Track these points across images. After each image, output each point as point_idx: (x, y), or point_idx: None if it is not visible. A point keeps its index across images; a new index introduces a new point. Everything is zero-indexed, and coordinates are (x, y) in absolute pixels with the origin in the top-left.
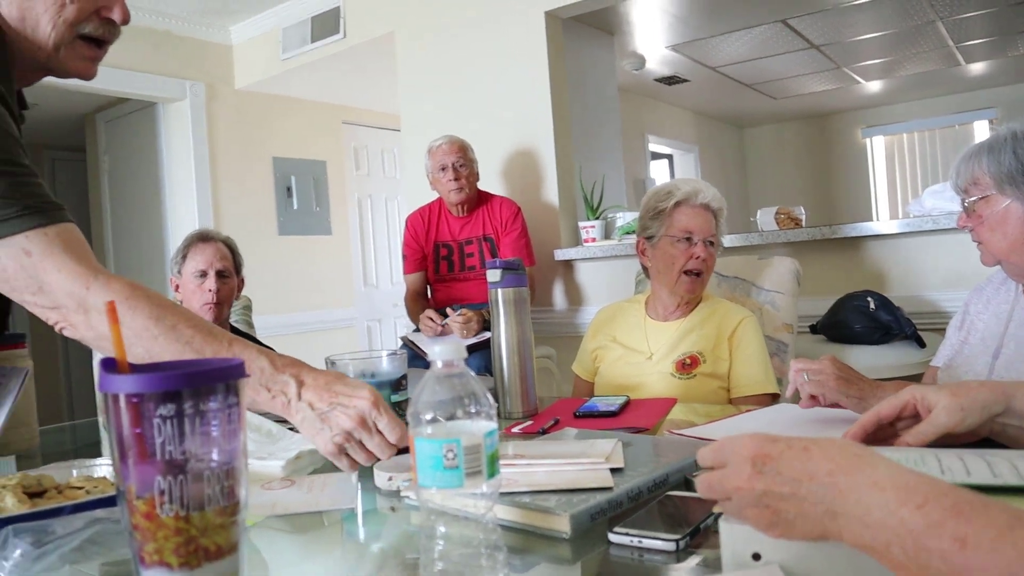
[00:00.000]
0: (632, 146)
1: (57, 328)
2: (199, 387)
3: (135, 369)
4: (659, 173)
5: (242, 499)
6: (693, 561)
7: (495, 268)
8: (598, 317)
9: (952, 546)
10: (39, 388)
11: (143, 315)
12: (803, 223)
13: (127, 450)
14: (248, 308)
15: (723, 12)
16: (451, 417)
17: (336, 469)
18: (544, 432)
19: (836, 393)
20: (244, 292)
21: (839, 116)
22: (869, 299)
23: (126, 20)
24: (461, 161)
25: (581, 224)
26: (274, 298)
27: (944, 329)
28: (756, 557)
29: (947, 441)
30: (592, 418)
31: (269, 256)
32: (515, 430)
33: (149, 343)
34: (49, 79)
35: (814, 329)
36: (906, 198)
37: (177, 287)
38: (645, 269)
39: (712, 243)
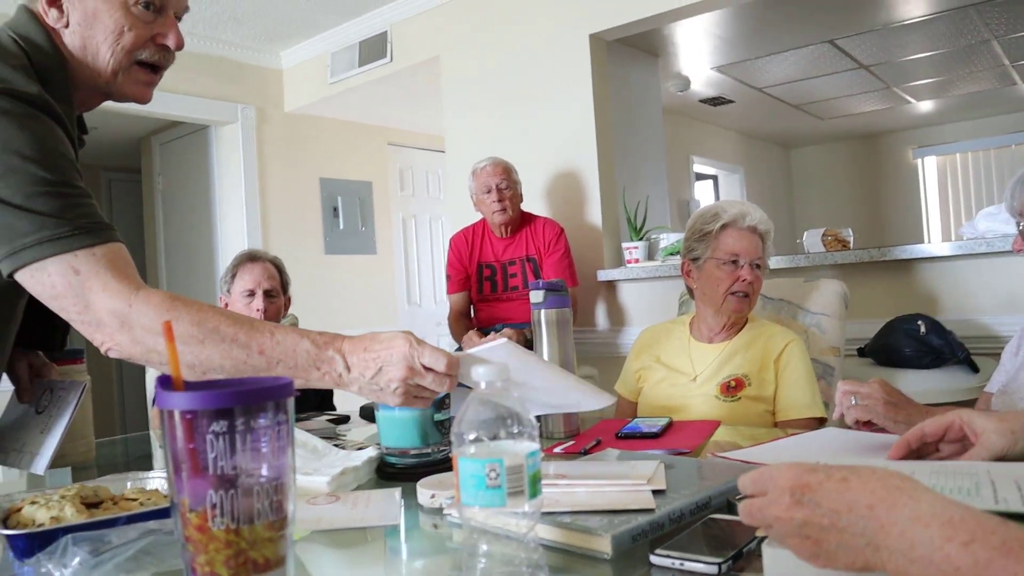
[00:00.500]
0: (676, 167)
1: (103, 349)
2: (250, 405)
3: (190, 387)
4: (704, 194)
5: (290, 513)
6: None
7: (538, 289)
8: (642, 337)
9: None
10: (94, 402)
11: (185, 322)
12: (851, 245)
13: (181, 464)
14: (295, 326)
15: (770, 33)
16: (494, 437)
17: (380, 486)
18: (586, 453)
19: (884, 418)
20: (291, 310)
21: (889, 136)
22: (920, 323)
23: (180, 46)
24: (505, 183)
25: (624, 245)
26: (320, 316)
27: (998, 354)
28: None
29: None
30: (634, 439)
31: (316, 275)
32: (557, 450)
33: (196, 349)
34: (107, 104)
35: (862, 352)
36: (959, 220)
37: (226, 305)
38: (690, 290)
39: (759, 266)
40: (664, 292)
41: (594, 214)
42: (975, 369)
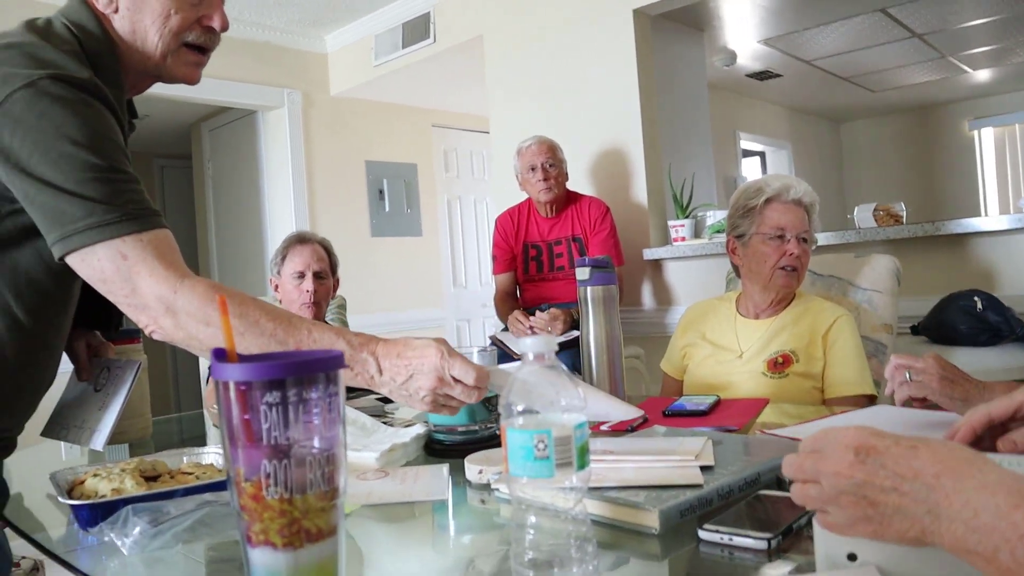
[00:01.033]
0: (722, 144)
1: (147, 331)
2: (302, 376)
3: (244, 359)
4: (751, 171)
5: (341, 485)
6: (785, 561)
7: (584, 266)
8: (688, 314)
9: None
10: (150, 382)
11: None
12: (904, 220)
13: (236, 435)
14: (343, 307)
15: (818, 3)
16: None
17: (428, 462)
18: (633, 430)
19: (939, 394)
20: (339, 292)
21: (943, 108)
22: (976, 299)
23: (225, 27)
24: (550, 161)
25: (670, 223)
26: (367, 298)
27: None
28: (852, 558)
29: None
30: (681, 417)
31: (362, 257)
32: (603, 427)
33: (236, 340)
34: (158, 92)
35: (915, 330)
36: (1018, 193)
37: (276, 287)
38: (736, 268)
39: (805, 239)
40: (711, 270)
41: (639, 192)
42: None
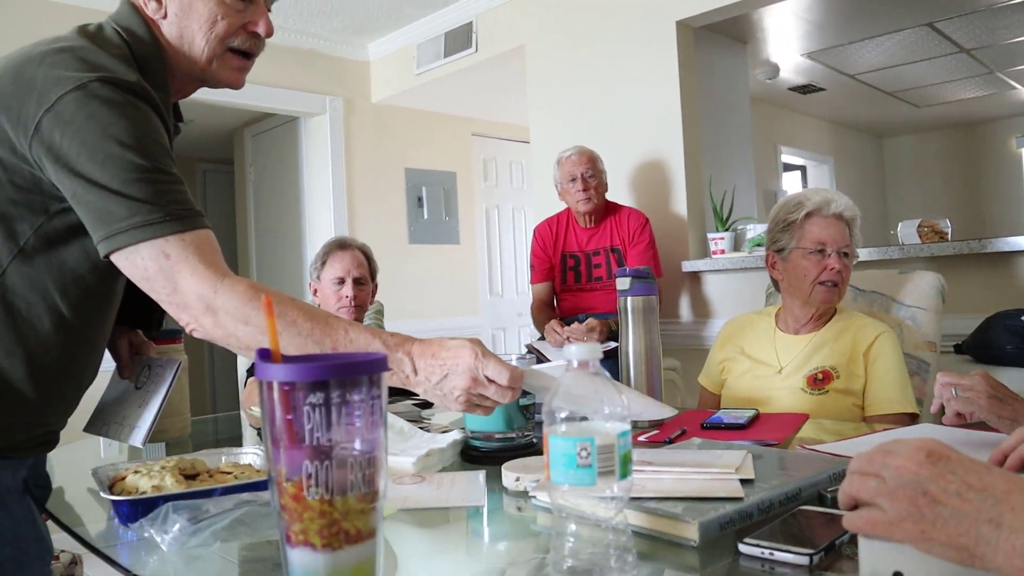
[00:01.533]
0: (763, 157)
1: (188, 329)
2: (345, 378)
3: (287, 360)
4: (791, 184)
5: (381, 488)
6: None
7: (625, 276)
8: (726, 328)
9: None
10: (188, 382)
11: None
12: (949, 237)
13: (279, 435)
14: (380, 313)
15: (863, 17)
16: (585, 417)
17: (464, 468)
18: (671, 442)
19: (987, 412)
20: (376, 297)
21: (990, 124)
22: (1023, 318)
23: (270, 33)
24: (590, 171)
25: (710, 235)
26: (404, 304)
27: None
28: None
29: None
30: (719, 430)
31: (400, 264)
32: (641, 439)
33: None
34: (202, 97)
35: (959, 349)
36: None
37: (315, 291)
38: (775, 283)
39: (847, 254)
40: (750, 284)
41: (679, 204)
42: None
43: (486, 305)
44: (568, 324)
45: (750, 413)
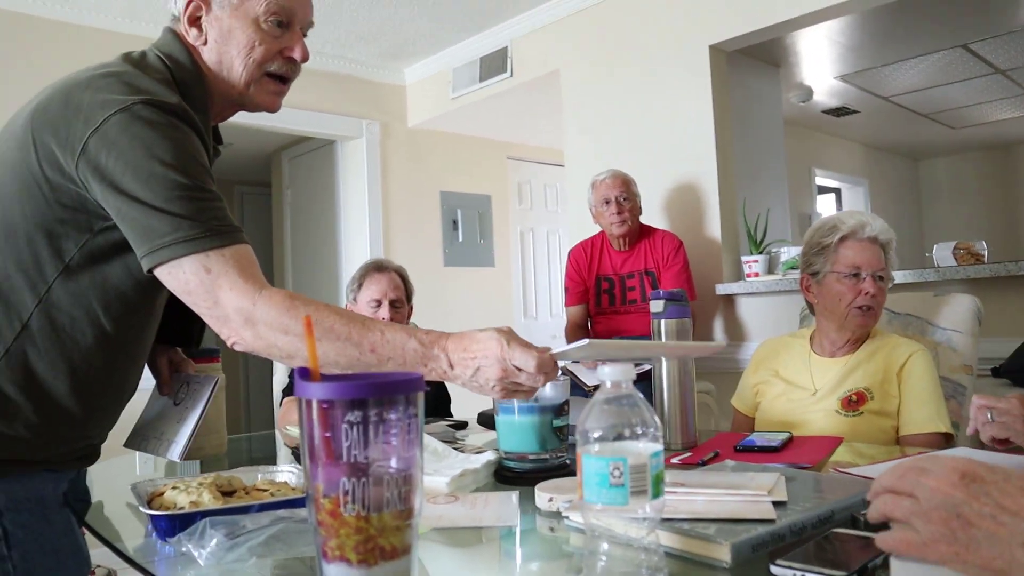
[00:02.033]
0: (798, 180)
1: (229, 343)
2: (383, 397)
3: (326, 379)
4: (826, 207)
5: (416, 506)
6: None
7: (658, 299)
8: (760, 351)
9: None
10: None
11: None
12: (985, 259)
13: (317, 452)
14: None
15: (897, 39)
16: (618, 437)
17: (498, 489)
18: (704, 464)
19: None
20: (411, 319)
21: None
22: None
23: (305, 58)
24: (624, 195)
25: (744, 258)
26: (438, 326)
27: None
28: None
29: None
30: (752, 453)
31: (435, 286)
32: (674, 461)
33: None
34: (240, 121)
35: (996, 372)
36: None
37: None
38: (810, 306)
39: (882, 278)
40: (785, 307)
41: (713, 227)
42: None
43: (520, 327)
44: None
45: (784, 436)
